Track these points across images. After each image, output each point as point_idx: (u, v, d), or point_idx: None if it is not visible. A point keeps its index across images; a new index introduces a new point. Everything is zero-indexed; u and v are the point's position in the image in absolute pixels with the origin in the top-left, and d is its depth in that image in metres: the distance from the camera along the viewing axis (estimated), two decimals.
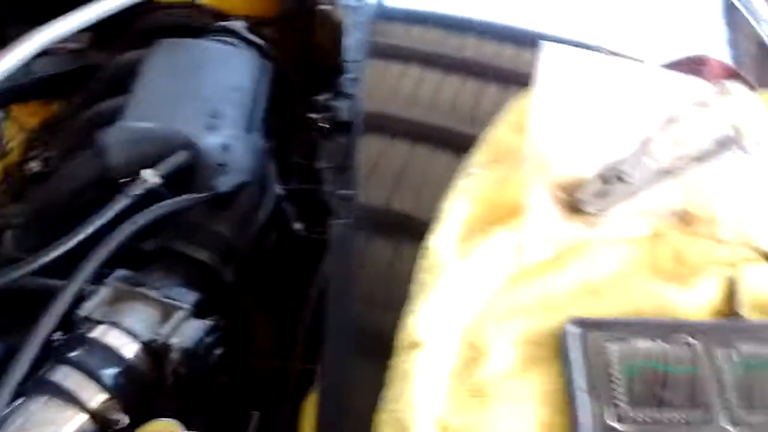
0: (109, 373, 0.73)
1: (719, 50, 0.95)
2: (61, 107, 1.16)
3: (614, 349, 0.60)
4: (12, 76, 0.92)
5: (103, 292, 0.80)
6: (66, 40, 1.00)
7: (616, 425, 0.56)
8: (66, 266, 0.79)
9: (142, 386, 0.76)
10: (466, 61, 0.93)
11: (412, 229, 0.71)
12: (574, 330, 0.61)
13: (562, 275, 0.67)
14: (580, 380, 0.58)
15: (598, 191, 0.70)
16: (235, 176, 0.93)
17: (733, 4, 1.05)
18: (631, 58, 0.81)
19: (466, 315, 0.64)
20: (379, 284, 0.70)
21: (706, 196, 0.71)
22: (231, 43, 1.11)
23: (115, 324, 0.76)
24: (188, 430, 0.68)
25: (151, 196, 0.87)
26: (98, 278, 0.82)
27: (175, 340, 0.76)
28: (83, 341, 0.75)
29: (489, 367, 0.60)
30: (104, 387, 0.72)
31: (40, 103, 1.16)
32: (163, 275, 0.84)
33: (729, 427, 0.56)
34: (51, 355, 0.74)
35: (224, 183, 0.91)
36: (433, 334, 0.62)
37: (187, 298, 0.82)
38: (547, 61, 0.70)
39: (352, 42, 1.06)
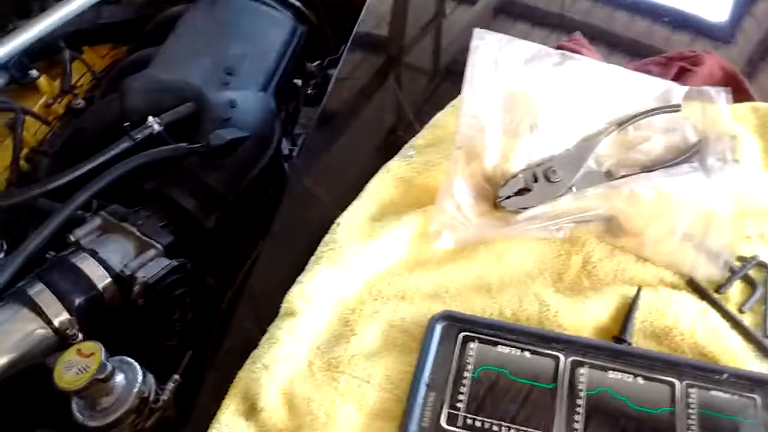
0: (77, 297, 0.82)
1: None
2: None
3: (473, 349, 0.59)
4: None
5: (95, 221, 0.89)
6: None
7: (446, 426, 0.55)
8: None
9: (104, 312, 0.84)
10: None
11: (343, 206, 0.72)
12: (440, 324, 0.60)
13: (457, 267, 0.65)
14: (427, 374, 0.58)
15: (522, 189, 0.67)
16: (236, 132, 0.98)
17: None
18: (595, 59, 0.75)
19: (348, 292, 0.65)
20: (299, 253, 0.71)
21: (642, 209, 0.65)
22: (268, 4, 1.15)
23: (94, 252, 0.85)
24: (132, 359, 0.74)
25: (154, 140, 0.95)
26: (97, 209, 0.91)
27: (140, 274, 0.84)
28: (63, 264, 0.84)
29: (353, 345, 0.61)
30: (69, 308, 0.81)
31: (107, 48, 1.27)
32: (149, 214, 0.92)
33: None
34: (37, 269, 0.84)
35: (220, 137, 0.96)
36: (311, 306, 0.63)
37: (163, 238, 0.89)
38: (479, 49, 0.67)
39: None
